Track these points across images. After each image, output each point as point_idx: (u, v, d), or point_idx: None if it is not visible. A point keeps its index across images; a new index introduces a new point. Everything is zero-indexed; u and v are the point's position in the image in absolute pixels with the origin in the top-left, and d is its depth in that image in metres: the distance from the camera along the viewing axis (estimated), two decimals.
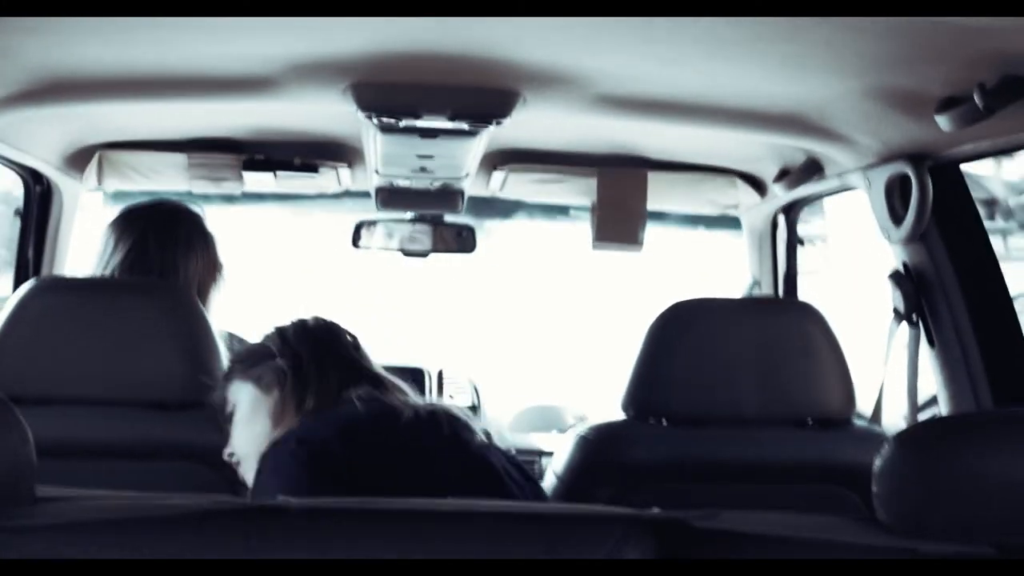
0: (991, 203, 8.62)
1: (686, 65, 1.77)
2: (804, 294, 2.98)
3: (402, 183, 2.71)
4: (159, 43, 1.70)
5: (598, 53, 1.73)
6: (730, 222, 3.10)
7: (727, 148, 2.66)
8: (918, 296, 2.21)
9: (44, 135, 2.40)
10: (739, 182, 2.85)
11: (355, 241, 3.01)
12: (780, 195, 2.69)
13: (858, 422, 2.15)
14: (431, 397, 3.20)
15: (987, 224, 2.30)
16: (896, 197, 2.16)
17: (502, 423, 3.33)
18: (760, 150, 2.58)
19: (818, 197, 2.71)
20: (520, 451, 3.07)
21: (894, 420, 2.38)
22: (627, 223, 2.80)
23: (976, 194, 2.22)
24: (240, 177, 2.72)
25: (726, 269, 3.48)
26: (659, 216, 2.88)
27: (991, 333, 2.11)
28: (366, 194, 2.90)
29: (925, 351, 2.24)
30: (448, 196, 2.81)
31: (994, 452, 1.18)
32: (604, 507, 1.22)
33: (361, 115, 1.96)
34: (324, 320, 1.81)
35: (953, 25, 1.37)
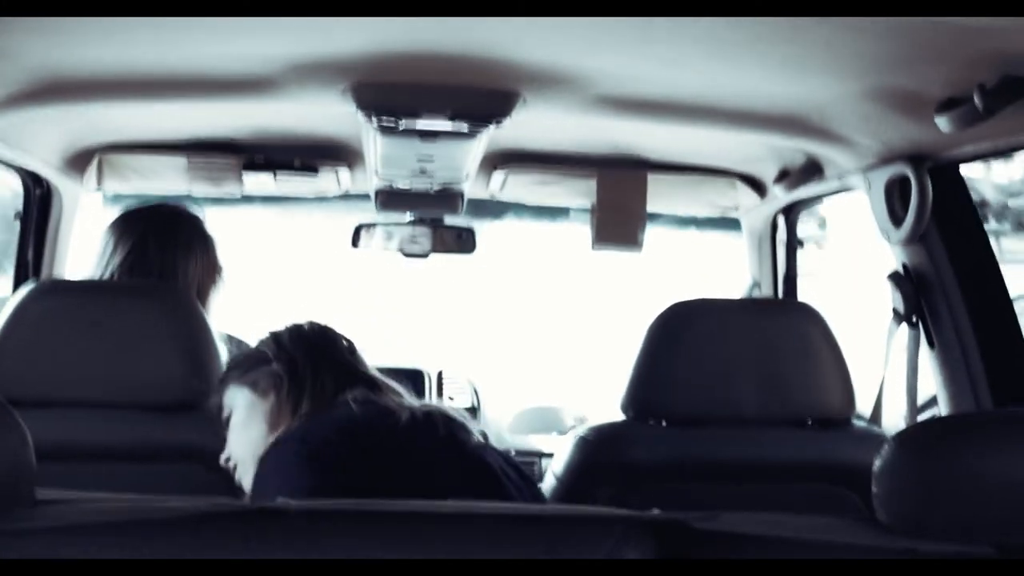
0: (982, 205, 8.68)
1: (686, 66, 1.77)
2: (803, 295, 2.98)
3: (402, 185, 2.71)
4: (159, 43, 1.70)
5: (598, 53, 1.73)
6: (729, 223, 3.10)
7: (727, 149, 2.66)
8: (918, 297, 2.21)
9: (44, 137, 2.40)
10: (739, 183, 2.85)
11: (355, 243, 3.00)
12: (780, 196, 2.69)
13: (858, 422, 2.15)
14: (430, 398, 3.20)
15: None
16: (896, 198, 2.16)
17: (502, 424, 3.33)
18: (760, 151, 2.58)
19: (818, 198, 2.71)
20: (519, 452, 3.08)
21: (894, 420, 2.39)
22: (627, 224, 2.80)
23: None
24: (240, 179, 2.72)
25: (726, 270, 3.48)
26: (655, 217, 2.88)
27: (991, 334, 2.11)
28: (366, 197, 2.90)
29: (925, 352, 2.24)
30: (448, 198, 2.81)
31: (994, 452, 1.18)
32: (604, 508, 1.22)
33: (361, 116, 1.96)
34: (319, 324, 1.82)
35: (953, 25, 1.37)
